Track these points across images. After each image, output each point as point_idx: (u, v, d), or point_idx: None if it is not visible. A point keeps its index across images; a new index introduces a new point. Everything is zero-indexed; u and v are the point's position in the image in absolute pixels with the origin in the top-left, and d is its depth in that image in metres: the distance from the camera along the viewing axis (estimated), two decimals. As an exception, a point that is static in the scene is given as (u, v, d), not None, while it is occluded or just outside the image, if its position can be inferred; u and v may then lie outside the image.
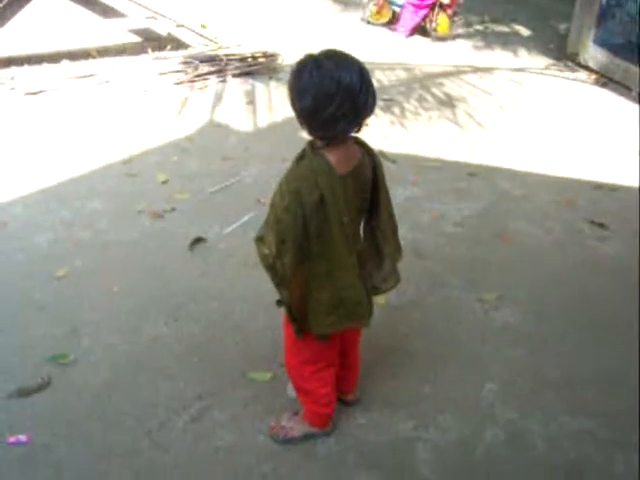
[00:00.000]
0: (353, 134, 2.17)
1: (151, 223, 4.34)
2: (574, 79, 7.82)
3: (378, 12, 9.74)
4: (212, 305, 3.59)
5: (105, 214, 4.43)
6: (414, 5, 9.17)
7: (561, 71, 8.10)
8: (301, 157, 2.20)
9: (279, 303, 2.40)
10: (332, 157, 2.13)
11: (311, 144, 2.18)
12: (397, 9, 9.48)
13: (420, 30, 9.44)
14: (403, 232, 2.62)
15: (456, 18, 9.62)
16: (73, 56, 7.04)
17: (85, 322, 3.43)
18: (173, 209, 4.50)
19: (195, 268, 3.91)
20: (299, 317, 2.35)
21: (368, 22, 9.83)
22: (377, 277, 2.46)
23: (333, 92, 1.98)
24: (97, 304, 3.58)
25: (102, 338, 3.32)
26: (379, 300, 2.76)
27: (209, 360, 3.20)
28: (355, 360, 2.82)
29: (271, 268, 2.23)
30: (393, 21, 9.63)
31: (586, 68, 8.04)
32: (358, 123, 2.10)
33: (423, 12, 9.23)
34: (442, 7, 9.24)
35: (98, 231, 4.25)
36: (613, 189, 5.11)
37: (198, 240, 4.13)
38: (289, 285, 2.25)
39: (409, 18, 9.25)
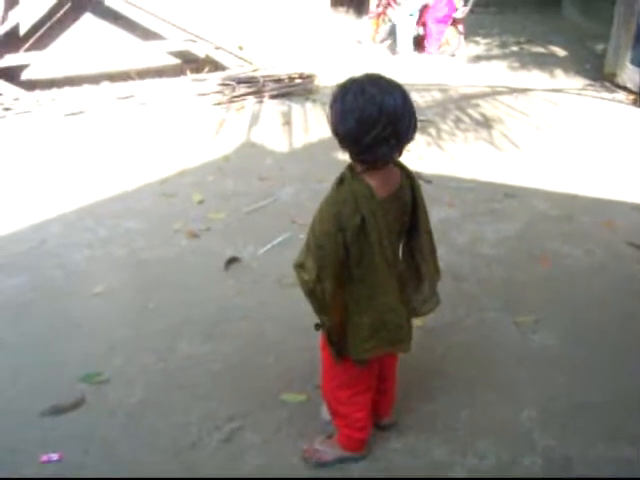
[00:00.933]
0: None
1: (187, 242, 4.37)
2: (611, 100, 7.72)
3: (375, 32, 9.81)
4: (247, 325, 3.58)
5: (141, 233, 4.47)
6: (438, 21, 9.17)
7: (598, 92, 8.00)
8: (340, 181, 2.18)
9: (317, 327, 2.37)
10: (372, 181, 2.11)
11: (350, 167, 2.17)
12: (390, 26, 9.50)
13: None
14: (440, 253, 2.58)
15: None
16: (113, 78, 7.17)
17: (120, 340, 3.44)
18: (209, 228, 4.52)
19: (230, 287, 3.91)
20: (338, 342, 2.33)
21: (361, 43, 9.85)
22: (417, 299, 2.44)
23: (376, 117, 1.97)
24: (132, 322, 3.60)
25: (136, 356, 3.33)
26: (416, 322, 2.72)
27: (243, 380, 3.18)
28: (392, 384, 2.78)
29: (311, 294, 2.20)
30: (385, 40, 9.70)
31: (624, 89, 7.93)
32: (400, 148, 2.09)
33: (444, 27, 9.26)
34: (454, 22, 9.26)
35: (134, 249, 4.29)
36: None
37: (233, 260, 4.14)
38: (329, 310, 2.23)
39: (435, 37, 9.26)
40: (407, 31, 9.29)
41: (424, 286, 2.43)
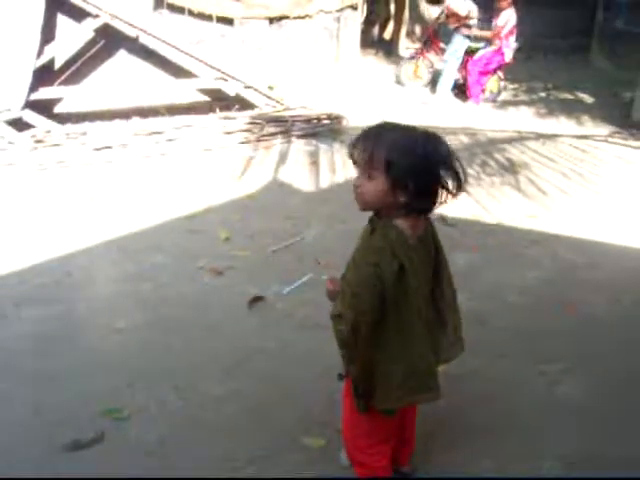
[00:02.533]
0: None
1: (211, 279, 4.38)
2: (638, 147, 7.70)
3: (415, 73, 9.84)
4: (268, 365, 3.56)
5: (167, 269, 4.50)
6: (481, 73, 9.20)
7: (625, 139, 8.00)
8: (372, 229, 2.19)
9: (341, 377, 2.36)
10: (404, 226, 2.12)
11: (377, 214, 2.18)
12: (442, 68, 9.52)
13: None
14: (463, 299, 2.58)
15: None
16: (143, 113, 7.28)
17: (141, 376, 3.44)
18: (233, 266, 4.54)
19: (253, 327, 3.91)
20: (366, 393, 2.31)
21: (401, 83, 9.89)
22: (442, 345, 2.42)
23: (431, 165, 2.05)
24: (153, 358, 3.60)
25: (157, 394, 3.32)
26: (439, 369, 2.71)
27: (263, 422, 3.16)
28: (412, 432, 2.74)
29: (346, 344, 2.19)
30: (429, 83, 9.73)
31: (653, 137, 7.93)
32: (452, 195, 2.12)
33: (486, 78, 9.29)
34: (495, 69, 9.30)
35: (159, 285, 4.31)
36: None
37: (257, 299, 4.14)
38: (362, 359, 2.22)
39: (476, 86, 9.27)
40: (451, 75, 9.34)
41: (448, 331, 2.42)
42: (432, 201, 2.13)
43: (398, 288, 2.12)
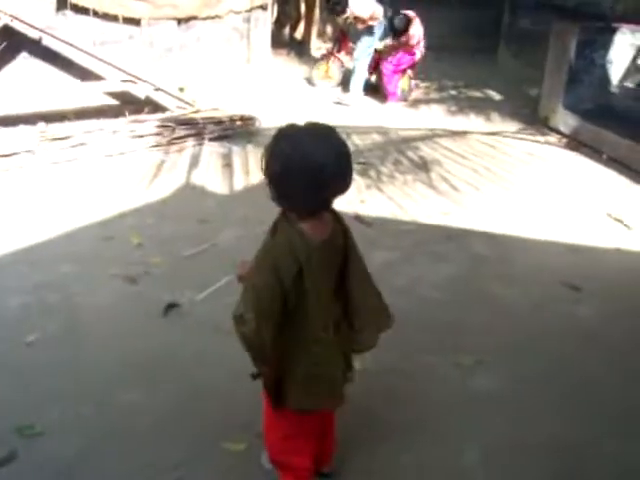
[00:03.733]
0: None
1: (125, 287, 4.28)
2: (545, 142, 7.96)
3: (326, 73, 9.90)
4: (186, 372, 3.50)
5: (78, 278, 4.36)
6: (394, 72, 9.28)
7: (533, 135, 8.24)
8: (274, 229, 2.18)
9: (254, 377, 2.34)
10: (306, 227, 2.12)
11: (284, 214, 2.17)
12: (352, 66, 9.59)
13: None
14: (380, 297, 2.59)
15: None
16: (49, 118, 7.04)
17: (56, 390, 3.33)
18: (147, 273, 4.44)
19: (169, 334, 3.83)
20: (277, 391, 2.30)
21: (313, 83, 9.94)
22: (352, 341, 2.42)
23: (300, 166, 2.00)
24: (67, 371, 3.48)
25: (73, 407, 3.21)
26: (357, 366, 2.72)
27: (183, 429, 3.10)
28: (331, 432, 2.74)
29: (251, 346, 2.17)
30: (341, 83, 9.81)
31: (557, 132, 8.18)
32: (324, 201, 2.11)
33: (399, 76, 9.39)
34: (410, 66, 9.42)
35: (70, 295, 4.17)
36: (586, 251, 5.15)
37: (172, 305, 4.06)
38: (268, 360, 2.21)
39: (393, 85, 9.36)
40: (362, 74, 9.38)
41: (356, 329, 2.41)
42: (318, 204, 2.12)
43: (298, 290, 2.11)
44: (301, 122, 2.16)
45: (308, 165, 2.00)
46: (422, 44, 9.17)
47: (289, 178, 2.02)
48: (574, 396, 3.51)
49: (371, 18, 8.99)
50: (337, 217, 2.31)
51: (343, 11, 9.13)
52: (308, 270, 2.10)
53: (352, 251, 2.33)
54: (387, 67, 9.18)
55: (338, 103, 9.13)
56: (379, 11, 9.08)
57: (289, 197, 2.09)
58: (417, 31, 9.03)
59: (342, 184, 2.11)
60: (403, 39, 9.02)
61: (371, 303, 2.42)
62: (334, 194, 2.13)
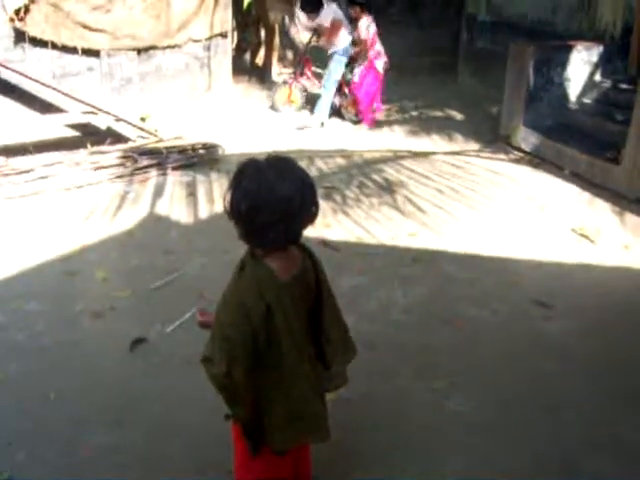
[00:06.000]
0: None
1: (91, 323, 4.20)
2: (508, 160, 8.02)
3: (288, 97, 9.92)
4: (155, 409, 3.43)
5: (42, 315, 4.27)
6: (367, 95, 9.29)
7: (495, 153, 8.30)
8: (242, 267, 2.15)
9: (227, 417, 2.29)
10: (274, 264, 2.09)
11: (251, 252, 2.14)
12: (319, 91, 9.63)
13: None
14: (350, 322, 2.56)
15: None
16: (9, 152, 6.94)
17: (20, 433, 3.24)
18: (113, 308, 4.36)
19: (136, 370, 3.76)
20: (255, 434, 2.24)
21: (276, 109, 9.94)
22: (324, 377, 2.39)
23: (265, 202, 1.98)
24: (33, 412, 3.40)
25: (39, 451, 3.13)
26: (329, 396, 2.68)
27: (153, 471, 3.03)
28: (307, 464, 2.69)
29: (223, 388, 2.13)
30: (304, 107, 9.84)
31: (519, 150, 8.26)
32: (293, 234, 2.08)
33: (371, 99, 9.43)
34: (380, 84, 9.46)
35: (34, 333, 4.08)
36: (553, 267, 5.18)
37: (139, 340, 3.99)
38: (242, 402, 2.16)
39: (368, 110, 9.39)
40: (328, 99, 9.40)
41: (327, 359, 2.39)
42: (287, 237, 2.10)
43: (269, 328, 2.08)
44: (262, 155, 2.14)
45: (276, 199, 1.98)
46: (377, 46, 9.22)
47: (257, 215, 2.00)
48: (551, 413, 3.51)
49: (334, 27, 9.01)
50: (308, 253, 2.28)
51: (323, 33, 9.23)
52: (278, 308, 2.07)
53: (324, 286, 2.31)
54: (359, 91, 9.22)
55: (301, 129, 9.13)
56: (344, 20, 9.17)
57: (257, 233, 2.07)
58: (369, 27, 9.08)
59: (310, 214, 2.10)
60: (359, 36, 9.11)
61: (340, 337, 2.41)
62: (304, 225, 2.11)
